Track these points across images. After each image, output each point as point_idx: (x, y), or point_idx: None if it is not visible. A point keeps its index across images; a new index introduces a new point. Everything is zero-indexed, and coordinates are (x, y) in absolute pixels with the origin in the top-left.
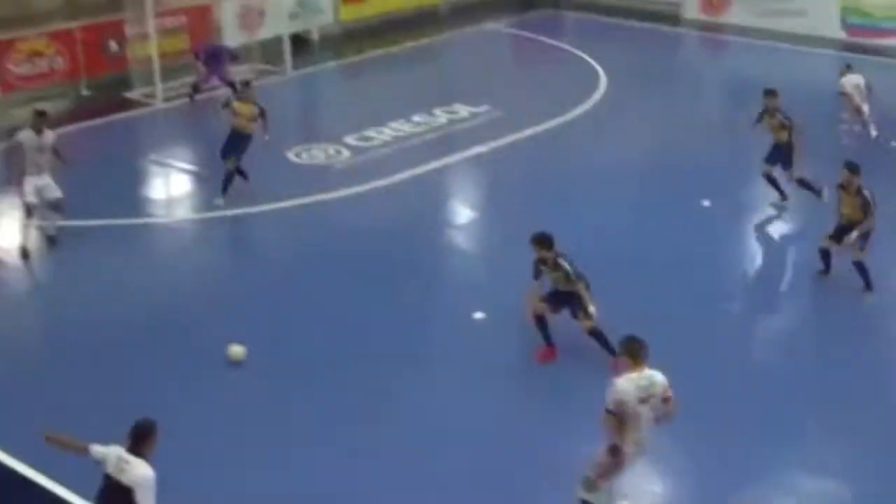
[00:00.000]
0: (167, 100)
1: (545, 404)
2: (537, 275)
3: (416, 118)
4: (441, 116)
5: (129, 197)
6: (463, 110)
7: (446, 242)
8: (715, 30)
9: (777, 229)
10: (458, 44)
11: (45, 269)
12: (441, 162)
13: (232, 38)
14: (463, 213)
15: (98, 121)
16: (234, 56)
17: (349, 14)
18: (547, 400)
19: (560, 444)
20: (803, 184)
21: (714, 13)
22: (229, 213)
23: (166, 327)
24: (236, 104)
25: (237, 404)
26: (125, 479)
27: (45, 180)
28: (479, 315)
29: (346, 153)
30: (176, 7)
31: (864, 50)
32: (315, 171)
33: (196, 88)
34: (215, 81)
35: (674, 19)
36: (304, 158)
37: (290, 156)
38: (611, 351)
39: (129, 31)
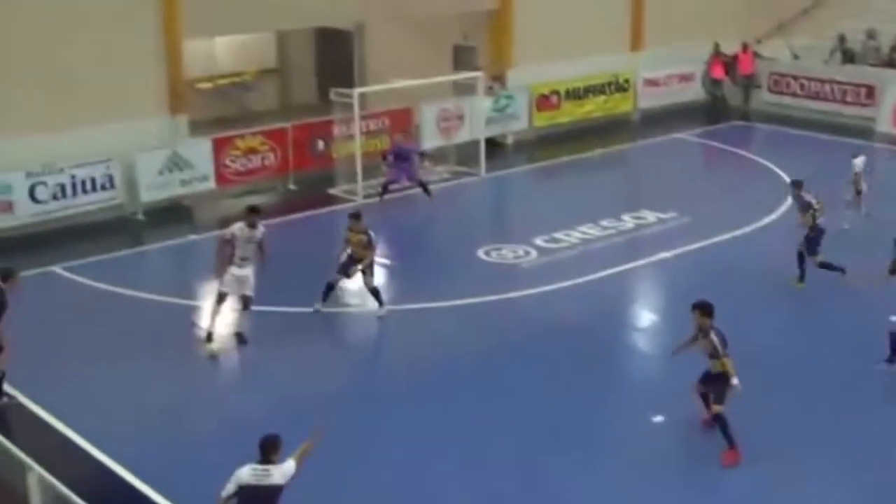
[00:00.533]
0: (367, 196)
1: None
2: (693, 339)
3: (604, 222)
4: (628, 221)
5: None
6: (650, 216)
7: (629, 343)
8: None
9: None
10: (648, 152)
11: (258, 354)
12: (626, 266)
13: (430, 140)
14: (645, 316)
15: (303, 214)
16: (423, 155)
17: (542, 121)
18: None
19: None
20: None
21: None
22: (418, 306)
23: (351, 407)
24: (349, 234)
25: (414, 478)
26: (275, 481)
27: (247, 272)
28: (658, 418)
29: (534, 254)
30: (380, 110)
31: None
32: (503, 269)
33: (385, 188)
34: (405, 181)
35: (867, 133)
36: (494, 257)
37: (481, 254)
38: (728, 440)
39: (336, 131)
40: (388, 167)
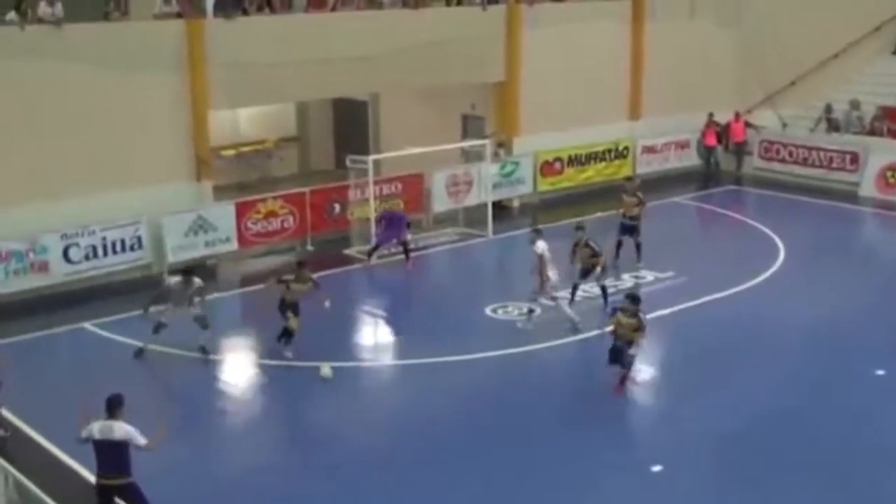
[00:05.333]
0: (380, 257)
1: None
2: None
3: (605, 282)
4: (628, 280)
5: (342, 342)
6: (649, 275)
7: (626, 398)
8: (890, 207)
9: None
10: (647, 215)
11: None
12: None
13: (441, 204)
14: (644, 370)
15: (319, 273)
16: (409, 224)
17: (546, 185)
18: None
19: None
20: None
21: (890, 192)
22: (427, 360)
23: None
24: (294, 284)
25: None
26: (116, 436)
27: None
28: (657, 468)
29: (538, 311)
30: (393, 175)
31: None
32: (508, 326)
33: (375, 249)
34: (393, 243)
35: (851, 197)
36: (500, 314)
37: (487, 311)
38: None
39: (351, 195)
40: (379, 231)
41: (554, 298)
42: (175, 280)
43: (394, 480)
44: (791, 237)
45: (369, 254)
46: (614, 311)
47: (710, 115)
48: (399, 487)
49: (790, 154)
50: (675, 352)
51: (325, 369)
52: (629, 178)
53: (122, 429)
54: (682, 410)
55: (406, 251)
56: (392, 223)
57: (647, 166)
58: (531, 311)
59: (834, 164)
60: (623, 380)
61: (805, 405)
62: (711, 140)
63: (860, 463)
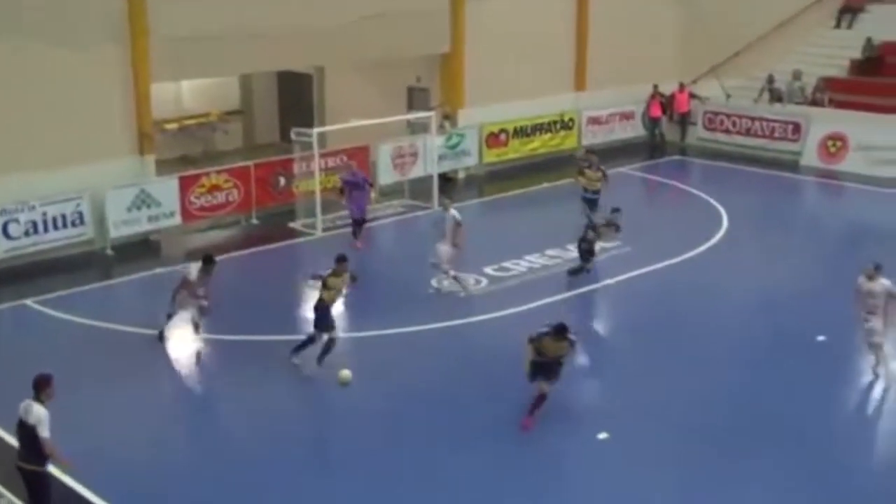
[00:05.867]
0: (326, 230)
1: None
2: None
3: (551, 252)
4: (574, 251)
5: (286, 315)
6: (595, 245)
7: (572, 367)
8: (831, 176)
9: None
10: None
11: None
12: (571, 292)
13: (386, 176)
14: (589, 340)
15: (265, 247)
16: (371, 184)
17: (492, 157)
18: None
19: None
20: None
21: (831, 161)
22: (371, 333)
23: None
24: (331, 279)
25: None
26: (30, 419)
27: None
28: (602, 435)
29: (484, 282)
30: (338, 148)
31: None
32: (455, 298)
33: (358, 227)
34: (353, 213)
35: (793, 166)
36: (446, 286)
37: (433, 283)
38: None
39: (296, 168)
40: (346, 202)
41: (448, 271)
42: (194, 267)
43: (334, 451)
44: (734, 206)
45: (354, 235)
46: (539, 336)
47: (655, 86)
48: (339, 457)
49: (734, 124)
50: (621, 320)
51: (344, 375)
52: (591, 152)
53: (36, 413)
54: (627, 378)
55: (358, 227)
56: (356, 188)
57: (592, 137)
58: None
59: (776, 134)
60: (536, 406)
61: (748, 371)
62: (656, 111)
63: (802, 427)
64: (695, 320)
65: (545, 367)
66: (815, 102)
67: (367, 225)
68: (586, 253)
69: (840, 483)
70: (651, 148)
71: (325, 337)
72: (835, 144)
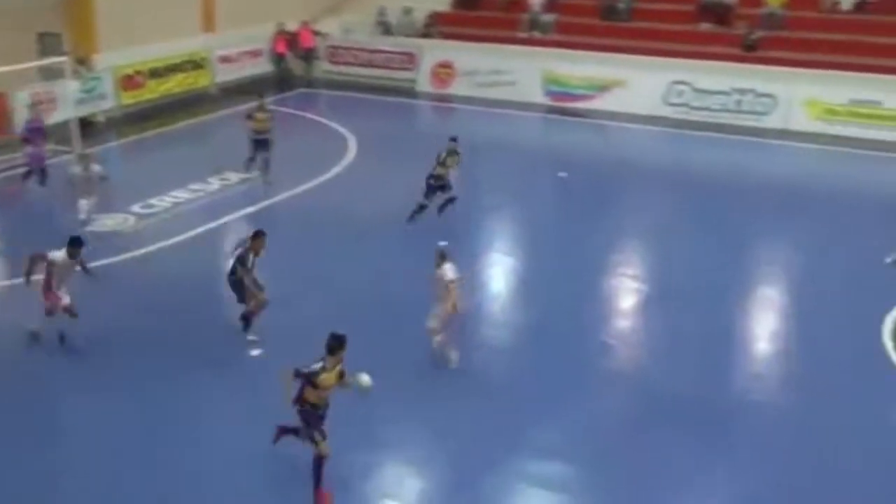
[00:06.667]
0: None
1: None
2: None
3: (193, 186)
4: (215, 184)
5: None
6: (234, 177)
7: (219, 292)
8: (443, 100)
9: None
10: (227, 121)
11: None
12: (216, 222)
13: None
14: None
15: None
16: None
17: (129, 99)
18: None
19: None
20: None
21: (442, 86)
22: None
23: None
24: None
25: None
26: None
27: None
28: (255, 352)
29: (132, 220)
30: None
31: (562, 112)
32: (104, 237)
33: (35, 173)
34: (31, 158)
35: (411, 92)
36: (95, 227)
37: (94, 226)
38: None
39: None
40: (33, 148)
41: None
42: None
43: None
44: (361, 132)
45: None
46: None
47: (280, 24)
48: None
49: (354, 57)
50: (271, 245)
51: (364, 381)
52: (260, 95)
53: None
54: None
55: (31, 175)
56: (37, 135)
57: (225, 75)
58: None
59: (394, 65)
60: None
61: (392, 281)
62: (282, 48)
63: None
64: (333, 236)
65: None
66: (427, 35)
67: (11, 173)
68: (433, 189)
69: None
70: (280, 82)
71: None
72: (445, 71)
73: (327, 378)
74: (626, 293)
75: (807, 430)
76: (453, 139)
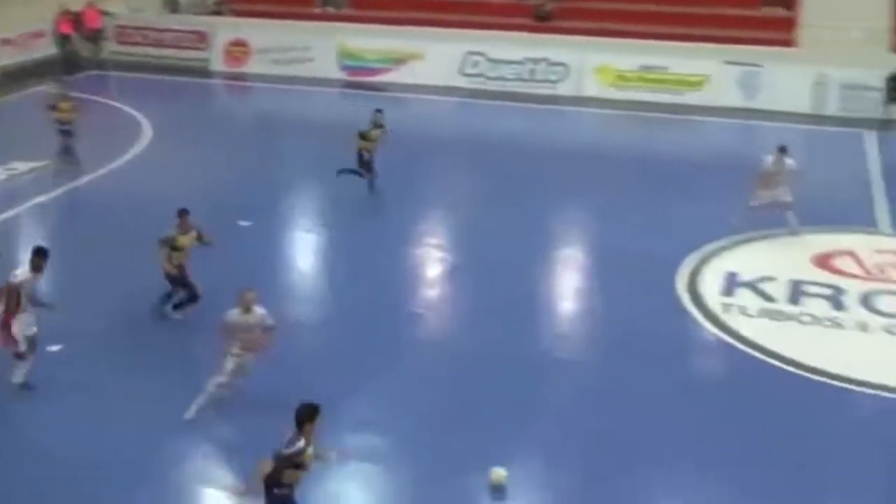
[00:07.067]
0: None
1: None
2: None
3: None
4: (1, 174)
5: None
6: (22, 166)
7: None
8: (238, 78)
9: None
10: (11, 107)
11: None
12: (6, 213)
13: None
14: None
15: None
16: None
17: None
18: None
19: None
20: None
21: (236, 65)
22: None
23: None
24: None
25: None
26: None
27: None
28: (55, 347)
29: None
30: None
31: (360, 86)
32: None
33: None
34: None
35: (204, 72)
36: None
37: None
38: None
39: None
40: None
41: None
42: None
43: None
44: (155, 115)
45: None
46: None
47: (63, 4)
48: None
49: (144, 37)
50: (65, 236)
51: (498, 475)
52: (60, 83)
53: None
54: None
55: None
56: None
57: (5, 59)
58: None
59: (185, 44)
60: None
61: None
62: (66, 28)
63: None
64: (135, 223)
65: None
66: (218, 13)
67: None
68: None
69: None
70: (66, 64)
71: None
72: (238, 49)
73: (308, 454)
74: (433, 263)
75: (611, 383)
76: (378, 111)
